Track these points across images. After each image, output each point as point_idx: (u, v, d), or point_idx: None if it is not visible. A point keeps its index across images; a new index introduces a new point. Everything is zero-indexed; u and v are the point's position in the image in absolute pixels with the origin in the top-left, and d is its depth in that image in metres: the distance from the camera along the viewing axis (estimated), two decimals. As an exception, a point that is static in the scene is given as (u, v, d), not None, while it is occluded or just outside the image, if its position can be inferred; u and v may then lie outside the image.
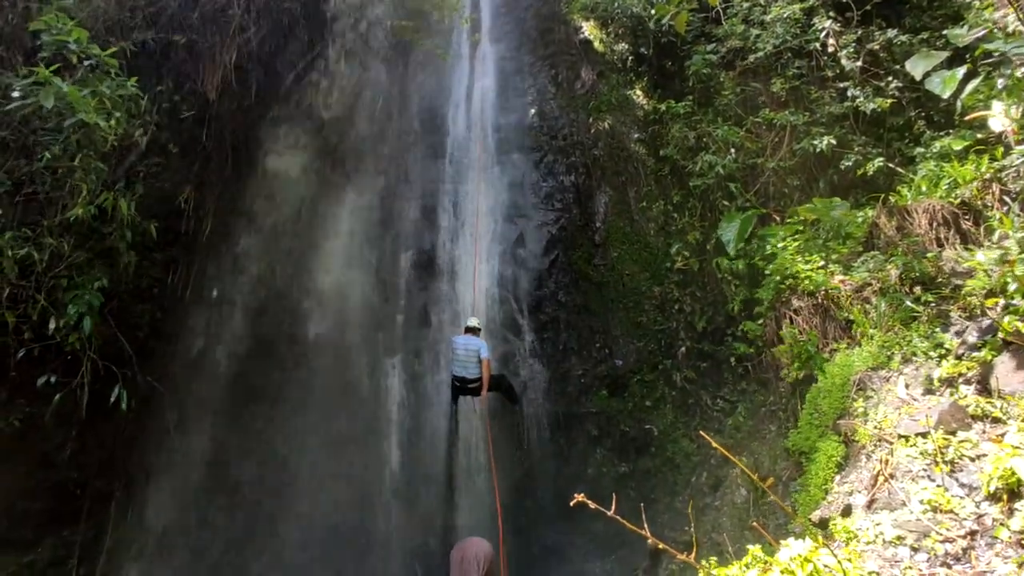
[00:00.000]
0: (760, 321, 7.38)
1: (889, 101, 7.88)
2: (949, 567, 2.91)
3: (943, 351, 4.84)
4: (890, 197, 6.67)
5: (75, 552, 7.50)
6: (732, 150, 8.94)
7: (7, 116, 6.29)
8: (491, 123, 11.74)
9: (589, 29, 12.23)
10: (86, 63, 6.65)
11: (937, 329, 5.10)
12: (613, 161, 10.80)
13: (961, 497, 3.37)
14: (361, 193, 10.86)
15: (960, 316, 5.09)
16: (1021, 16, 5.74)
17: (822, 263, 6.61)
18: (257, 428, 9.04)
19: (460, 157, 11.41)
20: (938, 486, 3.49)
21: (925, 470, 3.72)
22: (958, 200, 6.08)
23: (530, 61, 12.72)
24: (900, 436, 4.12)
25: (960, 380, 4.41)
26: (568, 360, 9.64)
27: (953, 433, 3.86)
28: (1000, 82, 6.04)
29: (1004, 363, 4.15)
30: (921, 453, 3.85)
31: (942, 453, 3.72)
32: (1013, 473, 3.14)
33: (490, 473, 8.16)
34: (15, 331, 6.61)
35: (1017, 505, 3.08)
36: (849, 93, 8.22)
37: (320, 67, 11.42)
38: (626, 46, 11.54)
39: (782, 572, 2.70)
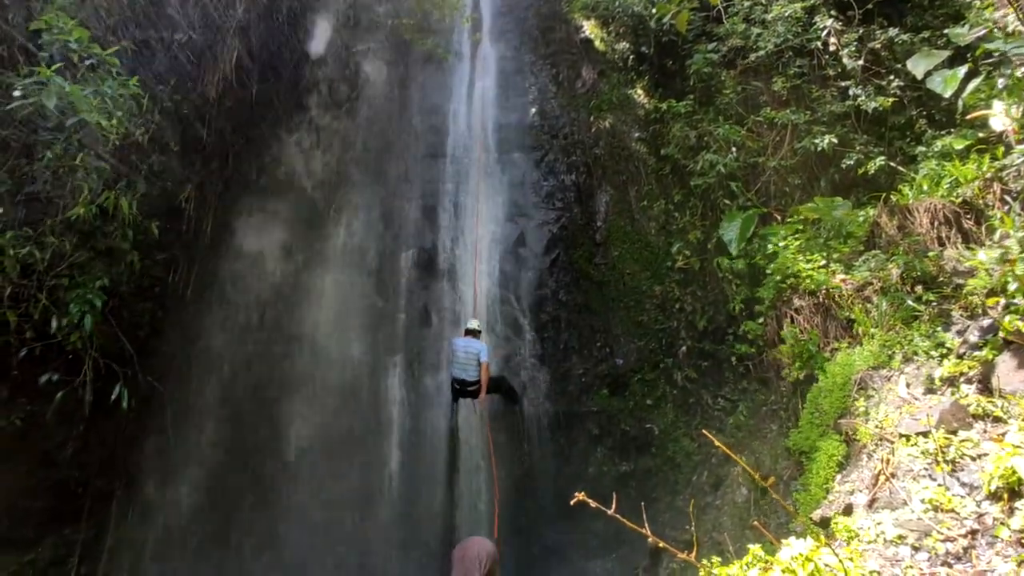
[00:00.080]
0: (761, 320, 7.38)
1: (890, 100, 7.86)
2: (950, 566, 2.91)
3: (944, 350, 4.84)
4: (891, 196, 6.66)
5: (76, 551, 7.52)
6: (733, 149, 8.92)
7: (9, 115, 6.30)
8: (492, 122, 11.74)
9: (590, 28, 12.22)
10: (87, 62, 6.65)
11: (938, 328, 5.10)
12: (614, 160, 10.79)
13: (962, 496, 3.37)
14: (361, 194, 10.86)
15: (961, 315, 5.08)
16: (1021, 16, 5.73)
17: (823, 262, 6.60)
18: (258, 427, 9.05)
19: (461, 156, 11.41)
20: (939, 485, 3.49)
21: (926, 469, 3.72)
22: (959, 199, 6.07)
23: (531, 60, 12.72)
24: (901, 435, 4.12)
25: (961, 379, 4.41)
26: (569, 359, 9.64)
27: (954, 432, 3.86)
28: (1000, 82, 6.04)
29: (1005, 362, 4.14)
30: (922, 452, 3.85)
31: (943, 452, 3.72)
32: (1014, 472, 3.14)
33: (490, 473, 8.17)
34: (17, 330, 6.62)
35: (1018, 504, 3.08)
36: (850, 92, 8.20)
37: (321, 64, 11.42)
38: (627, 45, 11.53)
39: (783, 571, 2.70)
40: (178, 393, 8.70)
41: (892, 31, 8.19)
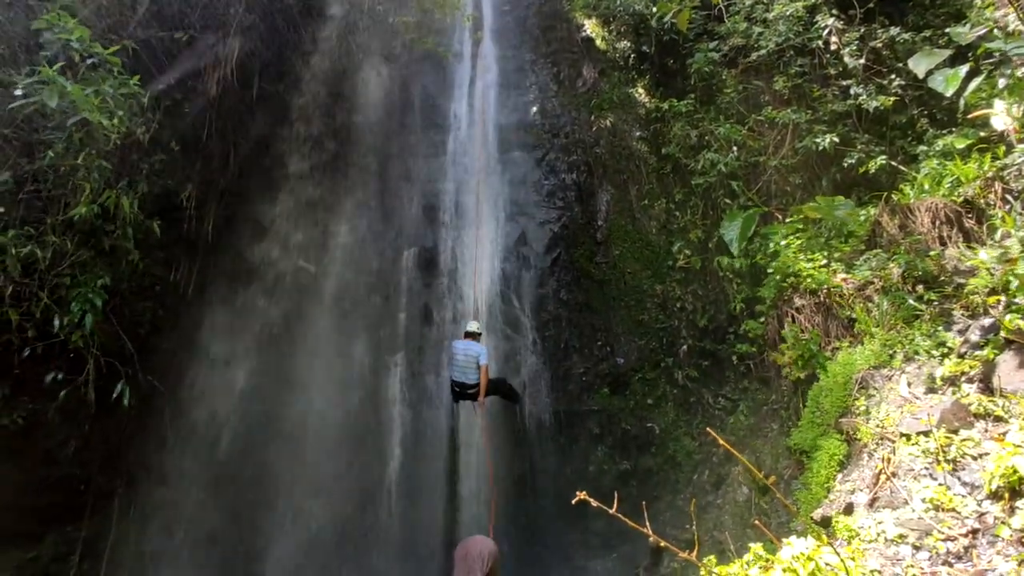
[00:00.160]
0: (762, 319, 7.38)
1: (892, 99, 7.86)
2: (951, 565, 2.91)
3: (945, 349, 4.84)
4: (893, 195, 6.66)
5: (77, 548, 7.54)
6: (734, 148, 8.93)
7: (10, 114, 6.30)
8: (493, 121, 11.73)
9: (591, 27, 12.22)
10: (88, 61, 6.66)
11: (939, 327, 5.09)
12: (615, 159, 10.79)
13: (963, 495, 3.37)
14: (362, 193, 10.86)
15: (962, 314, 5.08)
16: (1021, 16, 5.72)
17: (824, 261, 6.60)
18: (259, 426, 9.06)
19: (462, 155, 11.41)
20: (940, 484, 3.50)
21: (927, 468, 3.72)
22: (961, 198, 6.07)
23: (532, 59, 12.71)
24: (902, 434, 4.12)
25: (962, 378, 4.41)
26: (570, 358, 9.65)
27: (955, 431, 3.86)
28: (1001, 81, 6.03)
29: (1006, 361, 4.14)
30: (923, 451, 3.85)
31: (944, 451, 3.72)
32: (1015, 471, 3.14)
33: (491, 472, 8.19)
34: (18, 328, 6.62)
35: (1019, 503, 3.08)
36: (852, 91, 8.20)
37: (322, 62, 11.41)
38: (628, 44, 11.52)
39: (784, 570, 2.71)
40: (178, 391, 8.71)
41: (893, 30, 8.18)
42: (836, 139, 7.97)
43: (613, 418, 9.11)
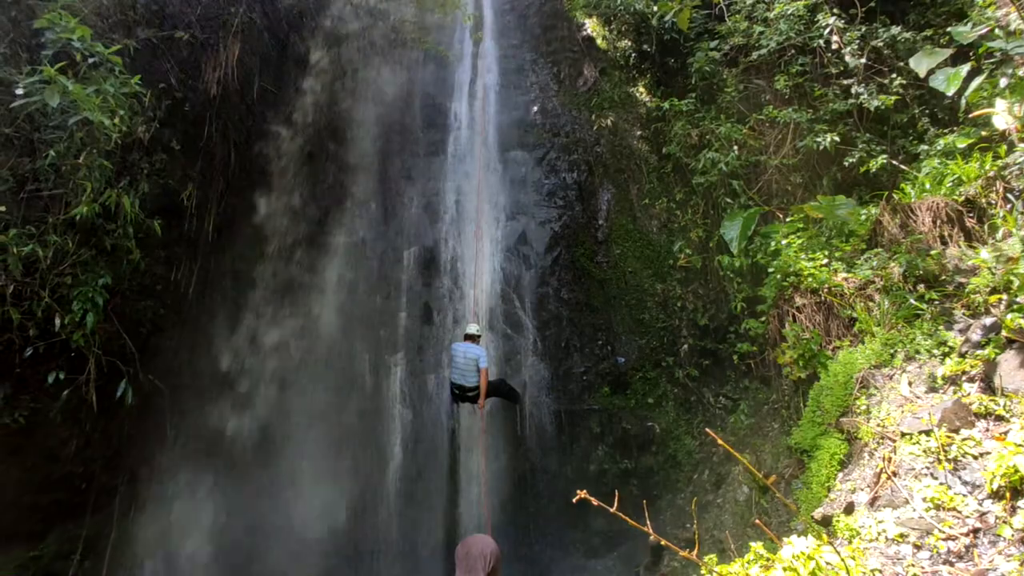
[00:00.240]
0: (763, 319, 7.38)
1: (893, 98, 7.85)
2: (952, 565, 2.91)
3: (946, 349, 4.83)
4: (894, 195, 6.65)
5: (79, 546, 7.56)
6: (735, 147, 8.92)
7: (11, 113, 6.31)
8: (493, 120, 11.73)
9: (592, 26, 12.22)
10: (89, 60, 6.66)
11: (940, 327, 5.09)
12: (615, 158, 10.79)
13: (964, 495, 3.37)
14: (363, 192, 10.87)
15: (964, 314, 5.08)
16: (1022, 15, 5.72)
17: (825, 261, 6.60)
18: (259, 426, 9.07)
19: (462, 154, 11.41)
20: (941, 484, 3.49)
21: (928, 468, 3.72)
22: (962, 198, 6.06)
23: (532, 58, 12.71)
24: (903, 434, 4.12)
25: (963, 378, 4.40)
26: (570, 357, 9.65)
27: (956, 431, 3.86)
28: (1003, 80, 6.02)
29: (1008, 361, 4.14)
30: (924, 451, 3.85)
31: (945, 451, 3.72)
32: (1016, 471, 3.13)
33: (492, 471, 8.19)
34: (20, 328, 6.64)
35: (1020, 503, 3.08)
36: (853, 90, 8.19)
37: (323, 62, 11.42)
38: (629, 43, 11.52)
39: (785, 569, 2.71)
40: (179, 389, 8.72)
41: (894, 29, 8.17)
42: (837, 138, 7.96)
43: (614, 417, 9.11)
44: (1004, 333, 4.28)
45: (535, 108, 11.86)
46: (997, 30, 6.31)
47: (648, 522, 2.48)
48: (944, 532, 3.10)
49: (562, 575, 8.37)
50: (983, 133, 6.57)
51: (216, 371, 9.11)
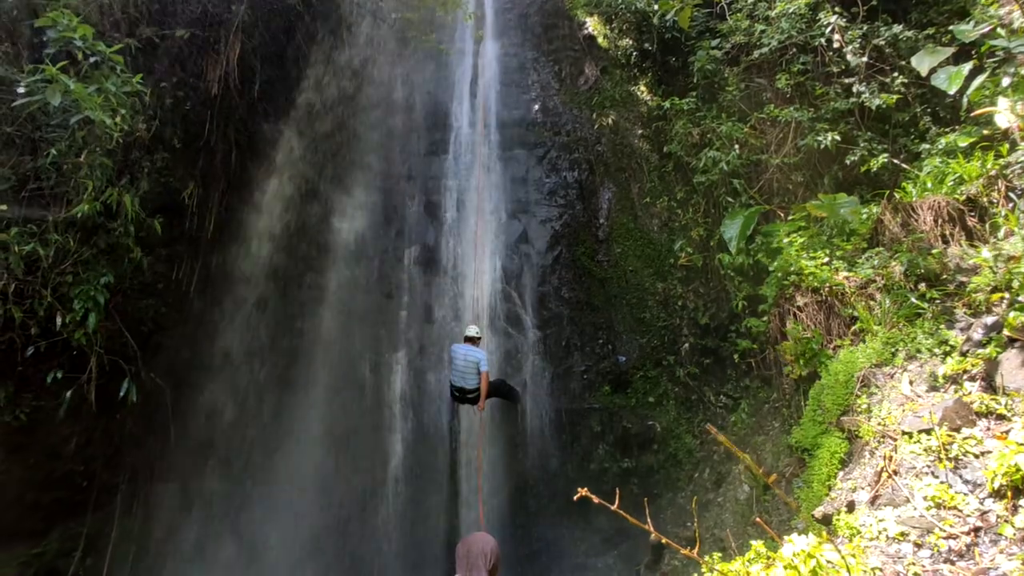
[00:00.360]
0: (764, 317, 7.37)
1: (895, 97, 7.83)
2: (953, 563, 2.91)
3: (948, 348, 4.83)
4: (895, 193, 6.64)
5: (80, 543, 7.58)
6: (736, 146, 8.91)
7: (13, 112, 6.31)
8: (494, 119, 11.73)
9: (593, 25, 12.20)
10: (91, 59, 6.66)
11: (942, 326, 5.08)
12: (616, 157, 10.79)
13: (965, 494, 3.37)
14: (363, 191, 10.87)
15: (965, 313, 5.07)
16: (1027, 12, 5.70)
17: (826, 259, 6.59)
18: (260, 425, 9.09)
19: (463, 153, 11.41)
20: (942, 483, 3.50)
21: (929, 466, 3.72)
22: (963, 197, 6.05)
23: (533, 57, 12.70)
24: (904, 433, 4.12)
25: (965, 377, 4.40)
26: (571, 356, 9.65)
27: (957, 430, 3.86)
28: (1005, 79, 6.00)
29: (1009, 359, 4.14)
30: (925, 450, 3.85)
31: (946, 450, 3.72)
32: (1018, 470, 3.13)
33: (493, 469, 8.21)
34: (22, 326, 6.65)
35: (1022, 502, 3.08)
36: (854, 89, 8.16)
37: (324, 60, 11.41)
38: (630, 42, 11.50)
39: (785, 568, 2.71)
40: (180, 388, 8.73)
41: (896, 28, 8.15)
42: (838, 137, 7.94)
43: (614, 416, 9.12)
44: (1006, 332, 4.28)
45: (536, 107, 11.85)
46: (999, 28, 6.28)
47: (649, 520, 2.48)
48: (945, 531, 3.10)
49: (563, 574, 8.38)
50: (985, 132, 6.55)
51: (217, 368, 9.12)
